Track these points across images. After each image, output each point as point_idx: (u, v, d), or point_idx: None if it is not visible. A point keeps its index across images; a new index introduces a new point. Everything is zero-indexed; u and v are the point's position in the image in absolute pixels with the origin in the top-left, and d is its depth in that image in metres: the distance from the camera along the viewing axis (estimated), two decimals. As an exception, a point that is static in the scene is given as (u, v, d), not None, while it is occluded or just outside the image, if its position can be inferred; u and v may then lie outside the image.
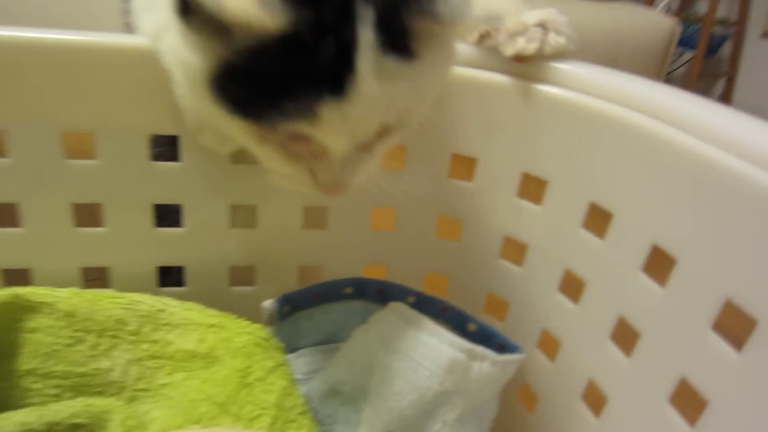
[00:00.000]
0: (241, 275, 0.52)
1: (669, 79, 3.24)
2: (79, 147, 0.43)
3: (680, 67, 2.87)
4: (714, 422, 0.32)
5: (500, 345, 0.48)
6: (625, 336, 0.39)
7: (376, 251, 0.53)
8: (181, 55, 0.34)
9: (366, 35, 0.30)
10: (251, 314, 0.51)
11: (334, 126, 0.32)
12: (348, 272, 0.52)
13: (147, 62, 0.39)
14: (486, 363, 0.40)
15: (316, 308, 0.51)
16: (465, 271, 0.52)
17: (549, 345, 0.47)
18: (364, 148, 0.36)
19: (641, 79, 0.39)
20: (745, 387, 0.30)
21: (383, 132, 0.35)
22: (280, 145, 0.35)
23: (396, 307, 0.43)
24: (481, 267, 0.50)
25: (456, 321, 0.49)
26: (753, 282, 0.30)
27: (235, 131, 0.35)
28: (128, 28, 0.45)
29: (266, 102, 0.32)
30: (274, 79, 0.31)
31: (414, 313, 0.42)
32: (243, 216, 0.49)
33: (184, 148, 0.44)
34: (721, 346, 0.31)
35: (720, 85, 2.67)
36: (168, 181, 0.45)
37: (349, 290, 0.51)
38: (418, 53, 0.32)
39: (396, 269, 0.53)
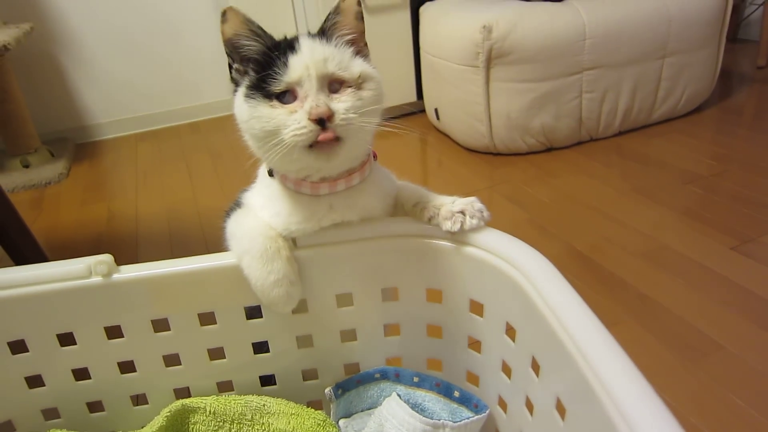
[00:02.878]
0: (309, 374, 0.80)
1: (744, 24, 3.23)
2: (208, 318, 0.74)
3: (756, 9, 3.00)
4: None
5: (475, 405, 0.74)
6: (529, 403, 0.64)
7: (391, 349, 0.79)
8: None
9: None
10: (319, 396, 0.80)
11: (298, 69, 0.60)
12: (375, 364, 0.79)
13: (237, 271, 0.69)
14: (447, 429, 0.66)
15: (359, 388, 0.78)
16: (449, 356, 0.78)
17: (502, 403, 0.71)
18: (331, 89, 0.62)
19: (517, 243, 0.64)
20: None
21: (339, 81, 0.62)
22: (285, 107, 0.60)
23: (394, 397, 0.70)
24: (459, 354, 0.76)
25: (445, 390, 0.75)
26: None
27: (261, 118, 0.61)
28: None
29: (269, 80, 0.61)
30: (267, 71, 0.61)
31: (402, 403, 0.68)
32: (305, 340, 0.77)
33: (264, 310, 0.74)
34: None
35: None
36: (258, 329, 0.75)
37: (377, 375, 0.78)
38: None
39: (407, 358, 0.80)
